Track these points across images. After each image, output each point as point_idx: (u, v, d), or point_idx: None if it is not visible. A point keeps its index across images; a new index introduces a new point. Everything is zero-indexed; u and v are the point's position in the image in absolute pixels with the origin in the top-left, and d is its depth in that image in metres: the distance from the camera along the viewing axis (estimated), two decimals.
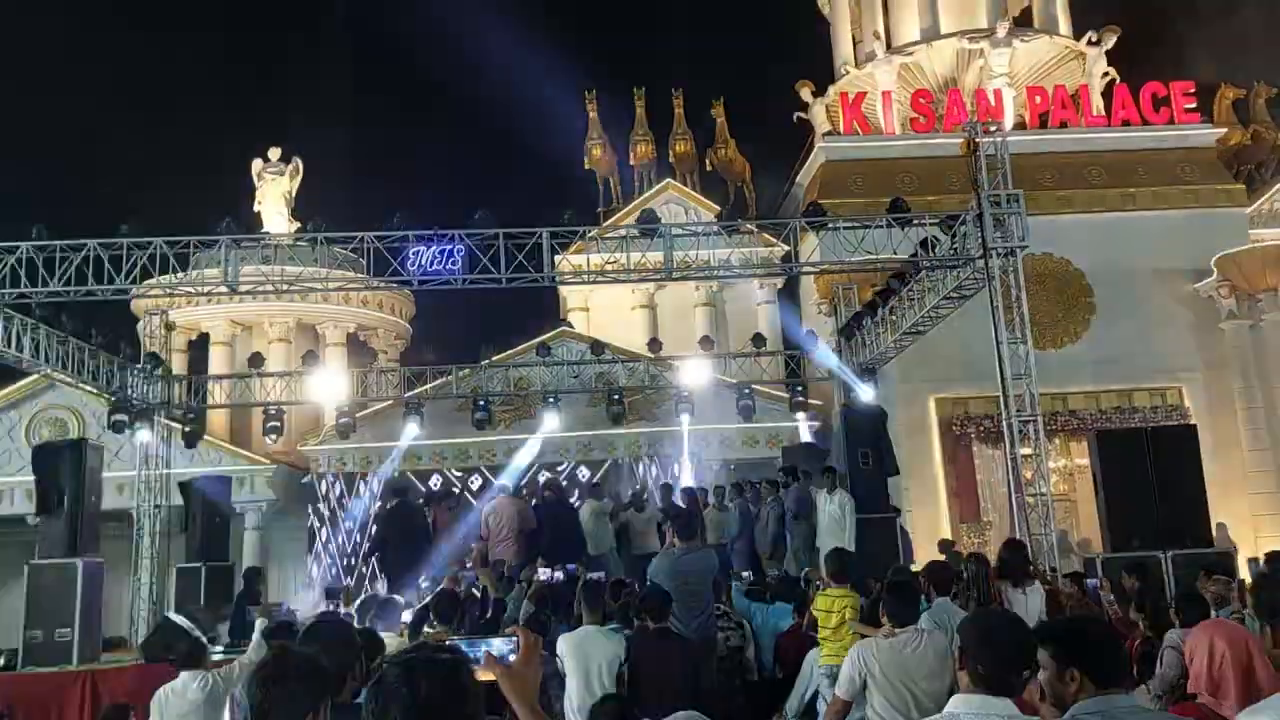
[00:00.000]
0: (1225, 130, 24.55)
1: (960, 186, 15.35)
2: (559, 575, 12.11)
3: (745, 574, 14.00)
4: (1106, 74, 25.77)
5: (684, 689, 6.61)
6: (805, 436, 18.61)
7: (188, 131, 38.69)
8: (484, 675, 2.54)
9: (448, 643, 6.79)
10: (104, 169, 35.93)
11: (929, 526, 19.02)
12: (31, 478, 13.96)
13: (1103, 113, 24.68)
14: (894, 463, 15.09)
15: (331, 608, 11.68)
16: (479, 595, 12.16)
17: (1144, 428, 16.80)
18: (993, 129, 14.36)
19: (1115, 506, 12.85)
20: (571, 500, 16.35)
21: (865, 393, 16.92)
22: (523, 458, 18.65)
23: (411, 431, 18.25)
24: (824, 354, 17.45)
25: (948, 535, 18.70)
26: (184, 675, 6.68)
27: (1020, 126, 23.97)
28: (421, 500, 14.44)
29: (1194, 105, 24.17)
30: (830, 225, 14.37)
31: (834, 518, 13.59)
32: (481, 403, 18.04)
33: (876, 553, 12.62)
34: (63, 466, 13.19)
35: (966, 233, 13.77)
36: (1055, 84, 25.16)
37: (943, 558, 11.15)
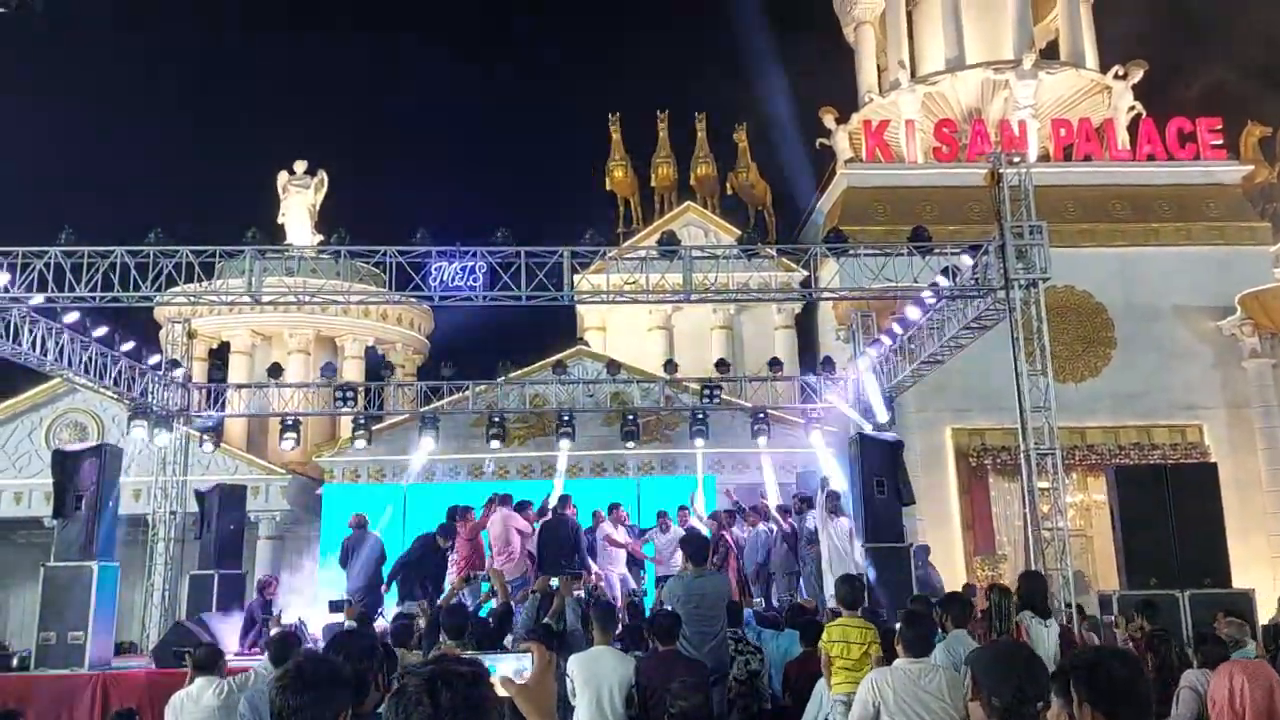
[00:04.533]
0: (1251, 168, 24.42)
1: (982, 217, 15.68)
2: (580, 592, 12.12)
3: (757, 600, 13.97)
4: (1132, 108, 25.73)
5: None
6: (822, 461, 17.92)
7: (217, 141, 39.04)
8: (501, 693, 2.54)
9: (467, 655, 6.74)
10: (134, 178, 36.24)
11: (943, 557, 18.62)
12: (50, 480, 13.98)
13: (1128, 147, 24.60)
14: (910, 492, 14.70)
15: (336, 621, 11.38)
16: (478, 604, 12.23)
17: (1163, 464, 16.69)
18: (1016, 160, 14.27)
19: (1132, 544, 12.69)
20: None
21: (882, 419, 16.67)
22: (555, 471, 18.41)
23: (427, 445, 18.18)
24: (865, 373, 17.08)
25: (961, 566, 18.93)
26: (199, 681, 6.68)
27: (1044, 159, 23.89)
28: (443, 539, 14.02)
29: (1220, 142, 24.06)
30: (851, 252, 14.31)
31: (836, 543, 13.46)
32: (497, 419, 18.04)
33: (890, 582, 12.53)
34: (82, 470, 13.20)
35: (988, 263, 13.76)
36: (1080, 117, 25.12)
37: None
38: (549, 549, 14.23)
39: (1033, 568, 12.35)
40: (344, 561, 14.48)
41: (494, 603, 12.42)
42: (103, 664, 12.27)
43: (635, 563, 15.98)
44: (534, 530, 14.56)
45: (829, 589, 11.98)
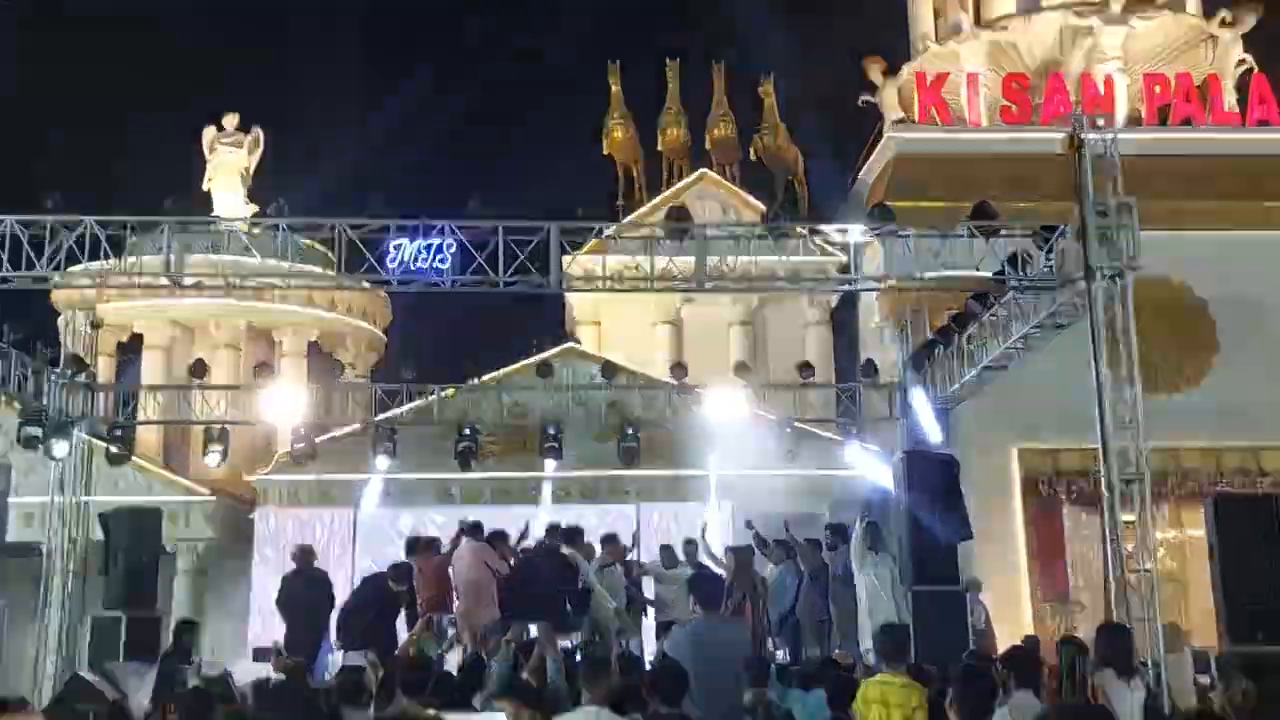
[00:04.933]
0: None
1: (1059, 192, 15.11)
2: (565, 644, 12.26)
3: (781, 653, 14.12)
4: (1242, 62, 25.62)
5: None
6: (857, 491, 18.41)
7: (128, 96, 38.89)
8: None
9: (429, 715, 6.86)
10: (27, 136, 36.14)
11: (1005, 604, 18.57)
12: None
13: (1236, 109, 24.47)
14: (967, 525, 14.30)
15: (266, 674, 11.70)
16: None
17: (1274, 495, 16.69)
18: (1101, 123, 14.15)
19: (1235, 590, 12.65)
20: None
21: (935, 438, 16.76)
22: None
23: (382, 463, 18.13)
24: (915, 380, 17.25)
25: (1027, 615, 18.87)
26: None
27: (1135, 122, 23.80)
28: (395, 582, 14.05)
29: None
30: (900, 232, 14.26)
31: (877, 585, 13.45)
32: (468, 431, 17.84)
33: (939, 634, 12.36)
34: None
35: (1065, 248, 13.67)
36: (1179, 72, 24.96)
37: None
38: (529, 589, 13.65)
39: (1114, 619, 12.29)
40: (282, 603, 14.40)
41: (459, 653, 13.02)
42: None
43: (631, 606, 15.72)
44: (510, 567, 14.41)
45: (866, 640, 12.20)
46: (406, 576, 13.77)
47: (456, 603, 14.24)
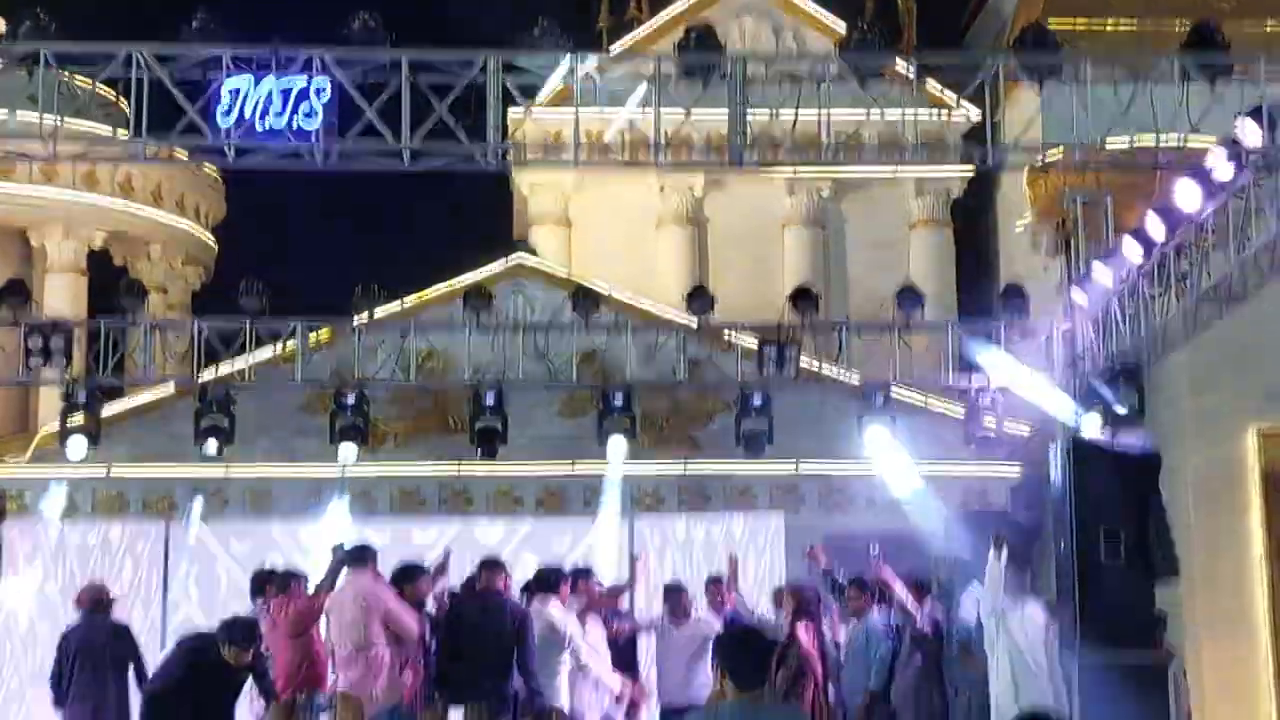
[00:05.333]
0: None
1: None
2: None
3: None
4: None
5: None
6: (996, 498, 16.21)
7: None
8: None
9: None
10: None
11: (1236, 677, 14.81)
12: None
13: None
14: (1170, 553, 11.91)
15: None
16: None
17: None
18: None
19: None
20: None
21: (1121, 412, 13.33)
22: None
23: (211, 448, 14.20)
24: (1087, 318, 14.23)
25: (1269, 693, 14.99)
26: None
27: None
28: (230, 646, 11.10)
29: None
30: (1064, 74, 11.72)
31: (1026, 650, 10.99)
32: (351, 399, 13.98)
33: None
34: None
35: None
36: None
37: None
38: (461, 656, 11.90)
39: None
40: (58, 678, 12.33)
41: None
42: None
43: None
44: (426, 620, 12.13)
45: None
46: (248, 638, 10.91)
47: (333, 674, 11.98)
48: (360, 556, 11.74)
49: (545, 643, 11.84)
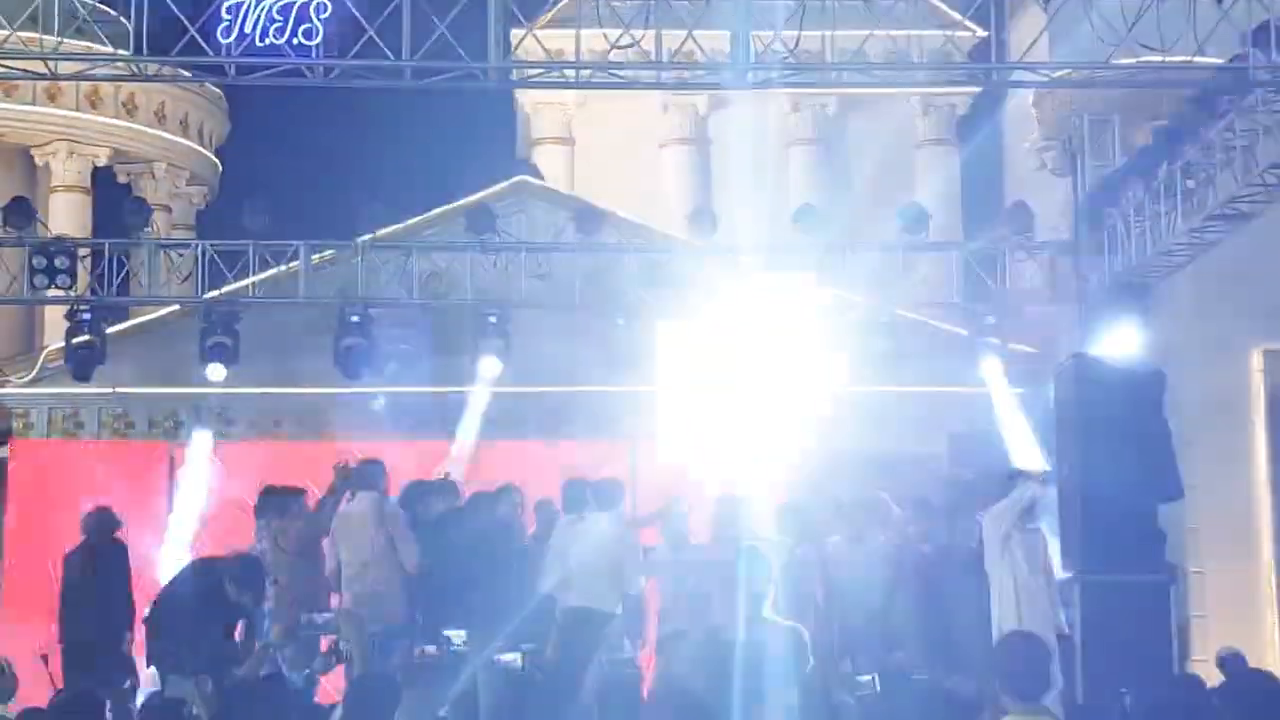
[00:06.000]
0: None
1: None
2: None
3: (865, 678, 11.02)
4: None
5: None
6: (1002, 414, 14.19)
7: None
8: None
9: None
10: None
11: (1236, 600, 14.33)
12: None
13: None
14: (1175, 474, 11.88)
15: None
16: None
17: None
18: None
19: None
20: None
21: (1123, 334, 12.79)
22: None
23: (215, 371, 13.67)
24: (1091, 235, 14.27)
25: (1270, 613, 14.92)
26: None
27: None
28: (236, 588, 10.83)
29: None
30: None
31: (1024, 571, 10.81)
32: (355, 317, 13.46)
33: (1125, 649, 10.71)
34: None
35: None
36: None
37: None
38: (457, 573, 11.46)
39: None
40: (67, 596, 11.98)
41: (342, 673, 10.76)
42: None
43: None
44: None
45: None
46: (255, 580, 10.59)
47: (339, 593, 11.73)
48: (369, 474, 11.47)
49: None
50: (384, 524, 11.17)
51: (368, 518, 11.22)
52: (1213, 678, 9.46)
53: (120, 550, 11.91)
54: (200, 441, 14.55)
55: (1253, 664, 12.09)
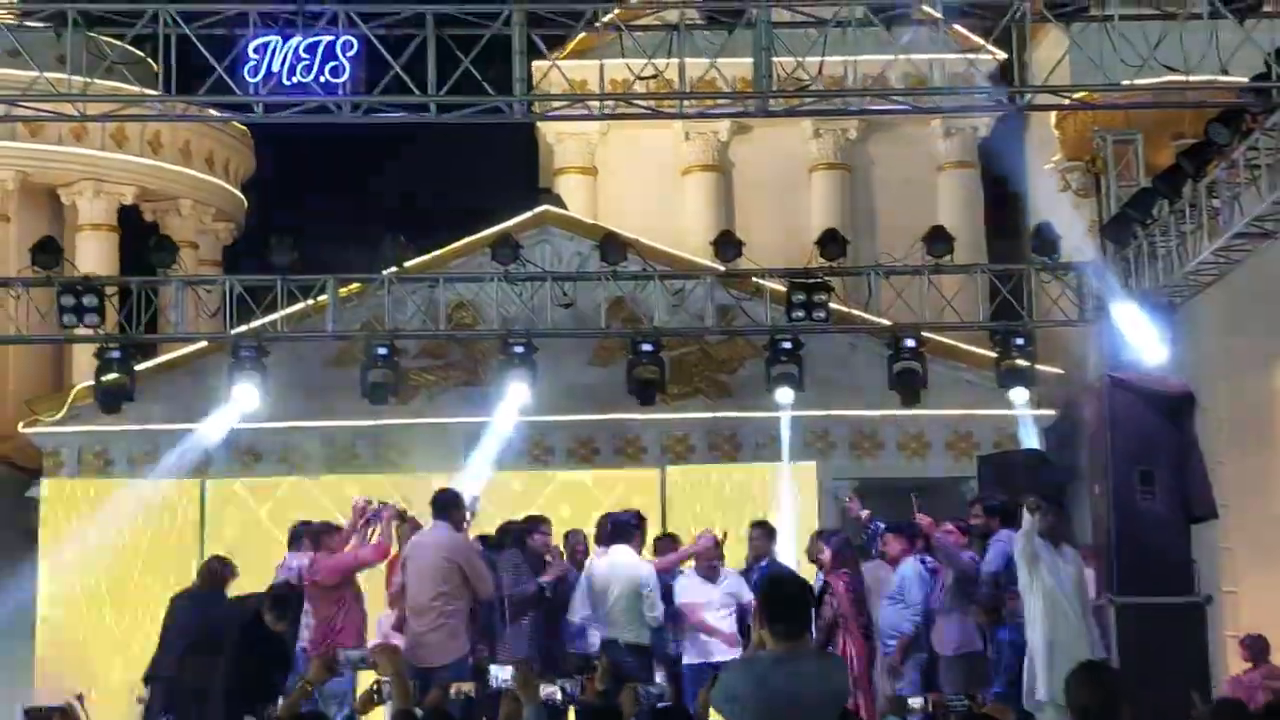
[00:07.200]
0: None
1: None
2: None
3: (916, 703, 10.51)
4: None
5: None
6: (1028, 439, 14.23)
7: None
8: None
9: None
10: None
11: (1271, 621, 12.89)
12: None
13: None
14: (1207, 494, 11.23)
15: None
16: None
17: None
18: None
19: None
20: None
21: (1151, 354, 12.14)
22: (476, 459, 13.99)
23: (247, 400, 12.71)
24: (1115, 257, 13.22)
25: None
26: None
27: None
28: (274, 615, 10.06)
29: None
30: (1093, 13, 11.14)
31: (1063, 595, 10.05)
32: (382, 350, 12.65)
33: (1163, 672, 10.06)
34: None
35: None
36: None
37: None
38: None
39: None
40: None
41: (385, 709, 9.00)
42: None
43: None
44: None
45: (1043, 682, 9.51)
46: (293, 606, 10.05)
47: (385, 630, 11.38)
48: (444, 504, 10.75)
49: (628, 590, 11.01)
50: (459, 556, 10.55)
51: (444, 549, 10.53)
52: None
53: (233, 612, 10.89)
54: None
55: None
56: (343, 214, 18.73)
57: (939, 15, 11.53)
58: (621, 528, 11.48)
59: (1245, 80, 10.68)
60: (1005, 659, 10.84)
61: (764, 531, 11.73)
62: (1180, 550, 10.82)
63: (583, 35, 12.43)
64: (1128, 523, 10.68)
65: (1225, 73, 10.49)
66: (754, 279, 14.18)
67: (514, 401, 13.34)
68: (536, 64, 11.14)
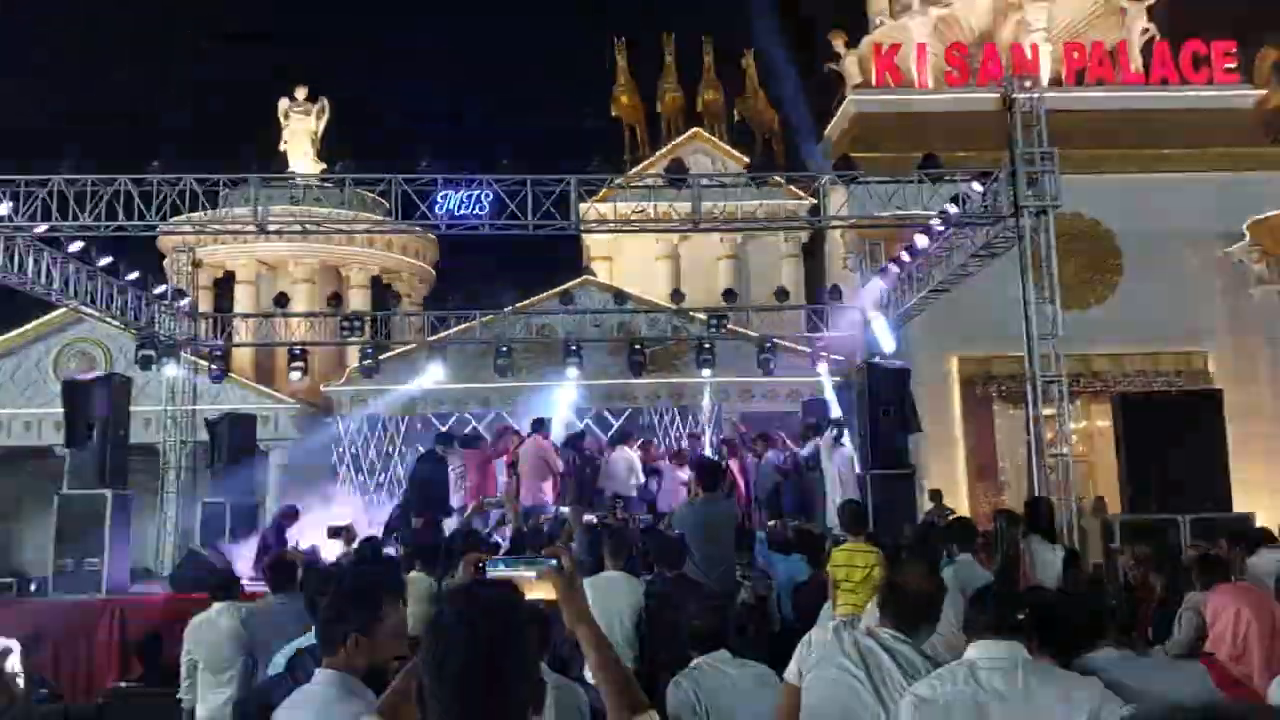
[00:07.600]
0: (1265, 92, 23.76)
1: (993, 143, 15.11)
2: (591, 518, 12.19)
3: (772, 523, 13.88)
4: (1146, 30, 24.90)
5: None
6: (827, 391, 18.09)
7: (218, 68, 38.80)
8: (536, 592, 2.46)
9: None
10: (135, 106, 36.12)
11: (945, 484, 18.39)
12: (59, 410, 13.94)
13: (1141, 70, 23.94)
14: (916, 420, 14.69)
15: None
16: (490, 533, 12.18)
17: (1167, 391, 16.92)
18: (1028, 85, 14.00)
19: (1135, 469, 12.67)
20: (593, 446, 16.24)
21: (889, 348, 16.60)
22: (557, 405, 18.31)
23: (435, 374, 18.21)
24: (872, 301, 17.08)
25: (964, 493, 19.18)
26: (217, 606, 6.81)
27: (1056, 83, 23.28)
28: (444, 449, 14.10)
29: (1234, 65, 23.49)
30: (860, 179, 14.17)
31: (841, 470, 13.69)
32: (503, 349, 17.93)
33: (894, 508, 12.57)
34: (92, 399, 13.14)
35: (998, 190, 13.55)
36: (1093, 40, 24.46)
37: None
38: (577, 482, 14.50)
39: (1035, 494, 12.18)
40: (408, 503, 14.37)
41: (507, 529, 13.01)
42: (119, 590, 12.20)
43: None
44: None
45: (832, 516, 12.15)
46: (448, 440, 14.15)
47: (507, 487, 14.35)
48: (536, 425, 14.77)
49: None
50: (543, 453, 14.11)
51: (538, 450, 14.01)
52: None
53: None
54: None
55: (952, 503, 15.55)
56: (483, 279, 21.22)
57: (782, 181, 17.21)
58: (622, 434, 15.98)
59: (935, 213, 14.21)
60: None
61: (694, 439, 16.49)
62: (901, 444, 13.88)
63: (605, 190, 14.97)
64: (877, 433, 13.71)
65: (926, 209, 14.17)
66: (690, 312, 18.89)
67: (570, 376, 17.87)
68: (583, 205, 14.15)
